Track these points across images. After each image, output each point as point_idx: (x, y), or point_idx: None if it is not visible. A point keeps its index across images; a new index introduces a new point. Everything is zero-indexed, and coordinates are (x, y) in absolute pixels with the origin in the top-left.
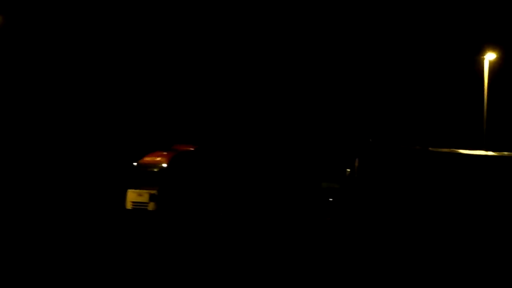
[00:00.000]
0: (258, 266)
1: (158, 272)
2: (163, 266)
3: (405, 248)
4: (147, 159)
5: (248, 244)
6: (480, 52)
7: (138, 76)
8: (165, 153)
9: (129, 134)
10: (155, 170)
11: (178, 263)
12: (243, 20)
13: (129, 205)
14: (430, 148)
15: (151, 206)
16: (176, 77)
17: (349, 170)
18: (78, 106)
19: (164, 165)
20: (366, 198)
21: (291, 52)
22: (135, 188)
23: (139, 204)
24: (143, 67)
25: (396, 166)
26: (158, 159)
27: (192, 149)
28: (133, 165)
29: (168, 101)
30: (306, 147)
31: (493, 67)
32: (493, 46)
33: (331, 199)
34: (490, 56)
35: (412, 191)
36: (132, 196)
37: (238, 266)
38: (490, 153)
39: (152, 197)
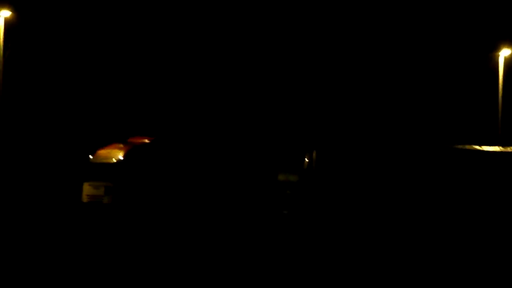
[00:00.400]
0: (210, 262)
1: (106, 268)
2: (112, 262)
3: (364, 242)
4: (103, 151)
5: (201, 239)
6: (495, 48)
7: (93, 68)
8: (121, 145)
9: (84, 127)
10: (111, 162)
11: (128, 259)
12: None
13: (85, 199)
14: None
15: (106, 200)
16: (130, 68)
17: (307, 161)
18: (33, 99)
19: (120, 157)
20: (324, 190)
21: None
22: (91, 181)
23: (94, 197)
24: (98, 58)
25: (358, 159)
26: (114, 151)
27: (148, 141)
28: (89, 157)
29: (123, 92)
30: (264, 138)
31: (508, 63)
32: (508, 42)
33: (288, 192)
34: (505, 53)
35: (377, 184)
36: (88, 189)
37: (189, 261)
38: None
39: (107, 190)
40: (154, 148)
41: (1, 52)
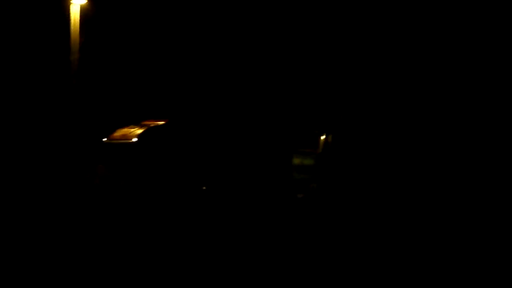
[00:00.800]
0: (221, 248)
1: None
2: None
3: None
4: (117, 134)
5: (213, 222)
6: None
7: (105, 56)
8: (135, 128)
9: (97, 110)
10: (125, 144)
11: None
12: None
13: (98, 180)
14: None
15: (119, 181)
16: (142, 54)
17: (323, 144)
18: (45, 84)
19: (135, 139)
20: (339, 175)
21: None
22: (105, 164)
23: (108, 179)
24: (109, 45)
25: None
26: (128, 133)
27: (163, 123)
28: (103, 141)
29: (136, 76)
30: (278, 119)
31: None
32: None
33: (303, 176)
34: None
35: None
36: (101, 170)
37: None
38: None
39: (121, 172)
40: (168, 129)
41: (78, 40)
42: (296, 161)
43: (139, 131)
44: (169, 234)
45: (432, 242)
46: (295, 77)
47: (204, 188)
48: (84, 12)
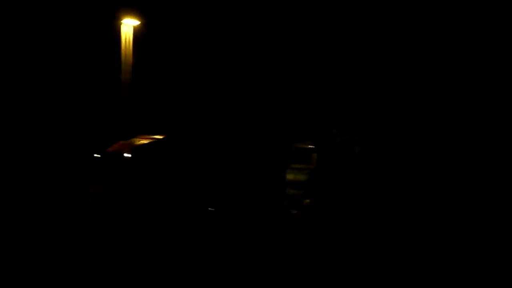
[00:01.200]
0: (214, 262)
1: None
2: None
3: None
4: (110, 149)
5: (204, 238)
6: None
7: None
8: (128, 143)
9: (89, 125)
10: (119, 160)
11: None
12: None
13: (91, 197)
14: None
15: (113, 199)
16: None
17: (316, 160)
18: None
19: (128, 155)
20: (332, 190)
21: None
22: (98, 180)
23: (101, 196)
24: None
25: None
26: (122, 149)
27: (155, 138)
28: (95, 157)
29: (128, 91)
30: (271, 133)
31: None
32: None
33: (296, 192)
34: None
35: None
36: (95, 188)
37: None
38: None
39: (116, 189)
40: (162, 145)
41: (131, 60)
42: (290, 176)
43: (132, 146)
44: (161, 251)
45: (422, 258)
46: (288, 91)
47: (210, 208)
48: (136, 34)
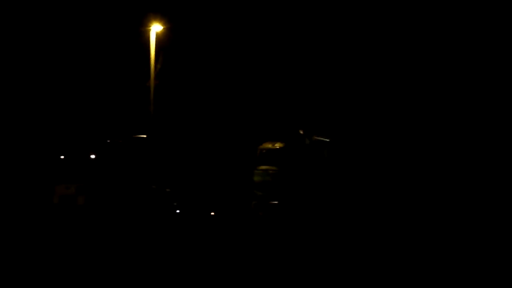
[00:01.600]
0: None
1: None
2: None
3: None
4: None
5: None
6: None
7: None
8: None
9: (54, 127)
10: (84, 162)
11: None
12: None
13: (56, 200)
14: None
15: (80, 200)
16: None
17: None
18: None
19: (92, 156)
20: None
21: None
22: (63, 182)
23: (67, 198)
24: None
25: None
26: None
27: (120, 140)
28: (60, 158)
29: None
30: (237, 137)
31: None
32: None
33: (263, 193)
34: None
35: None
36: (60, 189)
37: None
38: None
39: (79, 190)
40: (126, 146)
41: (153, 67)
42: (257, 178)
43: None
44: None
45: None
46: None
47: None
48: (160, 39)
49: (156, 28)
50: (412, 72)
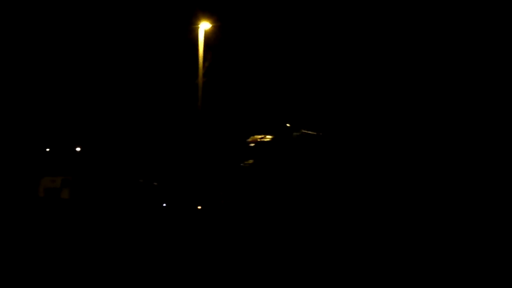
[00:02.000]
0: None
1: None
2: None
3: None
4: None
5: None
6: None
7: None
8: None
9: (40, 121)
10: (69, 155)
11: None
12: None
13: (41, 193)
14: None
15: (64, 194)
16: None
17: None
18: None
19: (78, 149)
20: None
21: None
22: (49, 175)
23: (52, 191)
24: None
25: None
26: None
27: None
28: (46, 151)
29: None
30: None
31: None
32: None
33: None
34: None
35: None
36: (45, 182)
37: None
38: None
39: (65, 183)
40: (112, 140)
41: (201, 64)
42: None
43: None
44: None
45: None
46: None
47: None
48: (208, 37)
49: (204, 26)
50: (403, 65)
